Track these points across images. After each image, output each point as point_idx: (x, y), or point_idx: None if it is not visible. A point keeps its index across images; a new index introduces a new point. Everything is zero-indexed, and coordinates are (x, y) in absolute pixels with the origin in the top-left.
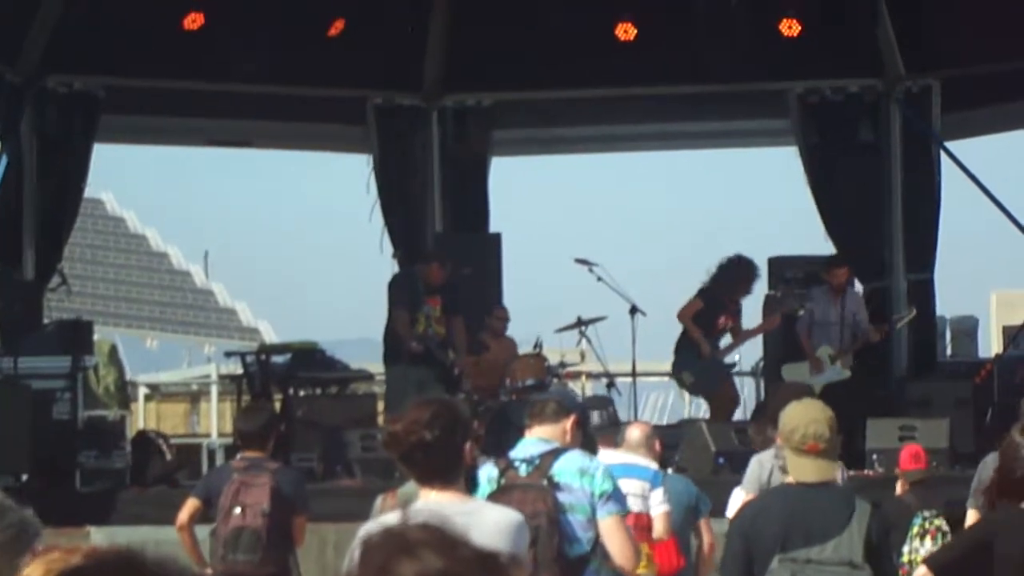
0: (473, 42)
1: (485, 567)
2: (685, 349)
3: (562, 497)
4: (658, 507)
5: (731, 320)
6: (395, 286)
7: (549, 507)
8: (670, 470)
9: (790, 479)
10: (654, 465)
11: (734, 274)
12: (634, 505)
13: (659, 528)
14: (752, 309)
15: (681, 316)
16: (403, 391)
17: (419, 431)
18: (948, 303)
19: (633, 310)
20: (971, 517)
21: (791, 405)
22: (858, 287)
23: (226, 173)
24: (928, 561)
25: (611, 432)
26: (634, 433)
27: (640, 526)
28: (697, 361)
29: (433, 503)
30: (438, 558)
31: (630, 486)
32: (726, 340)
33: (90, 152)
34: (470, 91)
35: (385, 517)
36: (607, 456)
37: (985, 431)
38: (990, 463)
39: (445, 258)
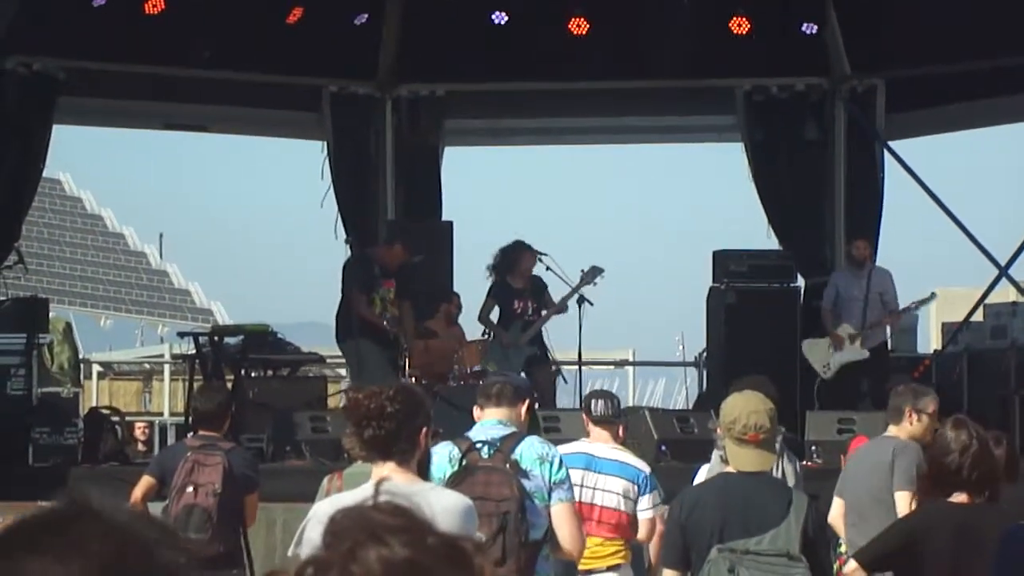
0: (427, 33)
1: (452, 557)
2: (494, 344)
3: (524, 483)
4: (645, 511)
5: (527, 303)
6: (351, 268)
7: (516, 492)
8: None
9: (730, 468)
10: (647, 467)
11: (505, 261)
12: (615, 504)
13: (643, 532)
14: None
15: (481, 320)
16: (372, 363)
17: (380, 400)
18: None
19: (580, 299)
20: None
21: (732, 396)
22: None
23: (183, 157)
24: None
25: (613, 423)
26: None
27: (620, 523)
28: (501, 351)
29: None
30: (405, 547)
31: (615, 485)
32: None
33: (49, 133)
34: (424, 81)
35: (349, 495)
36: (604, 452)
37: None
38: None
39: (407, 241)
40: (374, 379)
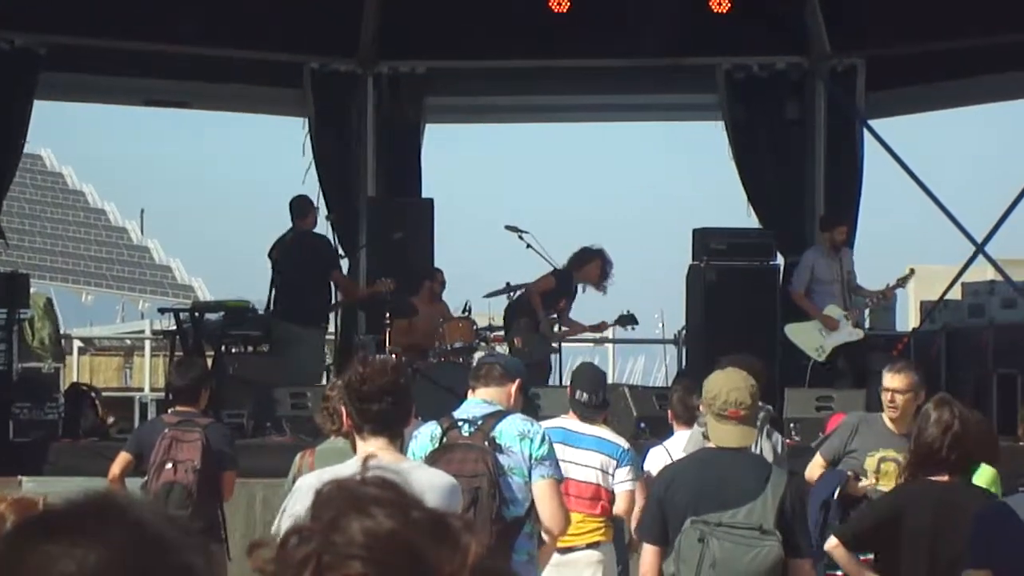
0: (408, 10)
1: (436, 532)
2: (523, 316)
3: (502, 459)
4: (622, 484)
5: (566, 306)
6: (330, 249)
7: (489, 468)
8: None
9: (711, 444)
10: (624, 442)
11: (586, 264)
12: (593, 478)
13: (620, 505)
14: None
15: (530, 290)
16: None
17: (391, 374)
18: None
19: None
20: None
21: (715, 372)
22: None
23: (164, 133)
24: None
25: (598, 413)
26: None
27: (598, 498)
28: (531, 333)
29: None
30: (389, 519)
31: (593, 459)
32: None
33: (30, 108)
34: (405, 58)
35: (338, 468)
36: (581, 427)
37: None
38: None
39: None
40: (309, 371)
